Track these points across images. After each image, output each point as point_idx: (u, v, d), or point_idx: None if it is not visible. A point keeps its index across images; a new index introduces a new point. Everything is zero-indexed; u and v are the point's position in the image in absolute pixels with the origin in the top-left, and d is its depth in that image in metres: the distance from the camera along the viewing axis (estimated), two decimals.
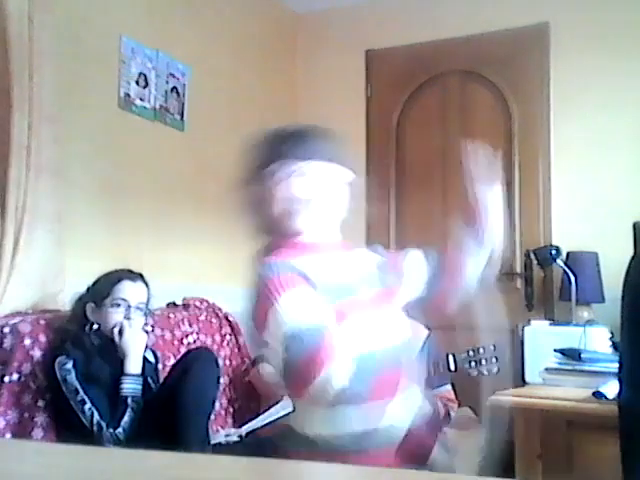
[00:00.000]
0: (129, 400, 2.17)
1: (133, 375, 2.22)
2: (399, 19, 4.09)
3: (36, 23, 2.47)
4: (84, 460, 1.12)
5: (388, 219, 4.04)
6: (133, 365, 2.23)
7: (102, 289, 2.31)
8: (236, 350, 3.07)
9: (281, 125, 1.64)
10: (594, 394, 2.13)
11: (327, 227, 1.59)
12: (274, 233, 1.58)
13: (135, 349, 2.24)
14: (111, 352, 2.24)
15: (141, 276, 2.36)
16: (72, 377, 2.17)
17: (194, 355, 2.37)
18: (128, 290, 2.30)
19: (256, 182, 1.53)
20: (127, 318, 2.26)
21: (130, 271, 2.35)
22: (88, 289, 2.36)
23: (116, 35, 3.03)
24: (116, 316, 2.26)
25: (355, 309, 1.52)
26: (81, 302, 2.34)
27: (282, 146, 1.53)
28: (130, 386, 2.20)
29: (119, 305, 2.27)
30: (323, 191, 1.54)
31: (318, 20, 4.29)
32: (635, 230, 1.65)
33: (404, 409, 1.50)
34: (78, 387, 2.16)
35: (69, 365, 2.19)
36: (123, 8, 3.08)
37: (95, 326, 2.28)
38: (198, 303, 3.06)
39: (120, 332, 2.24)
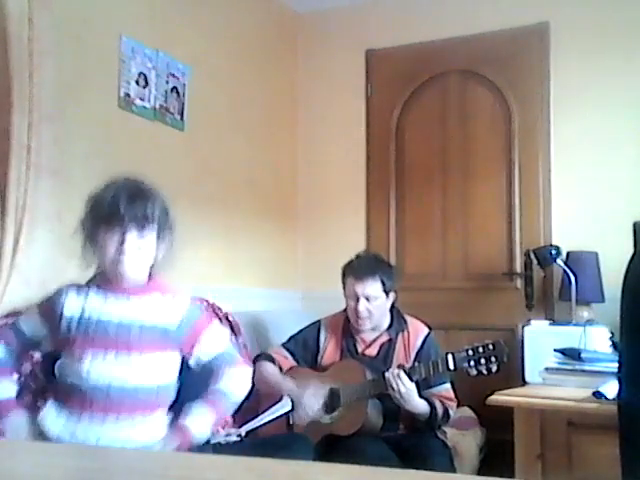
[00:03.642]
0: None
1: None
2: (399, 19, 4.10)
3: (36, 23, 2.47)
4: (84, 460, 1.12)
5: (388, 219, 4.04)
6: None
7: None
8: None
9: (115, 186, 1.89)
10: (594, 394, 2.13)
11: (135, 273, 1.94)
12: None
13: None
14: None
15: None
16: None
17: None
18: None
19: (91, 231, 1.89)
20: None
21: None
22: None
23: (116, 35, 3.03)
24: None
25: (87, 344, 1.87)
26: None
27: (113, 212, 1.84)
28: None
29: None
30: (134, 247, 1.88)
31: (318, 20, 4.29)
32: (635, 230, 1.65)
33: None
34: None
35: None
36: (123, 8, 3.08)
37: None
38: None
39: None
